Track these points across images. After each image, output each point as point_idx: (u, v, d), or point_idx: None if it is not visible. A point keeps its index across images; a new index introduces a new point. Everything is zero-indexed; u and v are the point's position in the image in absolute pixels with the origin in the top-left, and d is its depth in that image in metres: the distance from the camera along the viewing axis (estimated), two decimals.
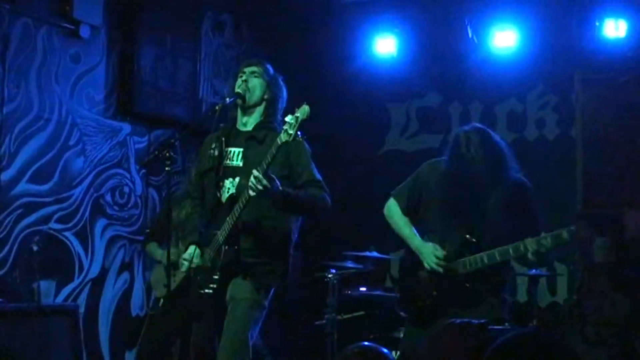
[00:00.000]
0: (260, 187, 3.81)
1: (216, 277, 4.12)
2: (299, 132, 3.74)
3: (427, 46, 7.49)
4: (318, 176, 4.23)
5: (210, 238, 4.22)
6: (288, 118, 3.76)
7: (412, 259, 4.35)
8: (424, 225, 4.41)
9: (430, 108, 7.98)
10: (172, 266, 5.28)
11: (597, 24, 6.77)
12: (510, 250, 4.04)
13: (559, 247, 3.99)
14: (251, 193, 3.86)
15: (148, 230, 6.28)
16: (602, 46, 6.83)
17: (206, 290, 4.15)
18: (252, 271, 4.13)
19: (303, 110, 3.74)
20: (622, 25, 6.69)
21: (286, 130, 3.75)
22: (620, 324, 6.28)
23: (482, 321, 3.42)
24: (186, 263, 4.26)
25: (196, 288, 4.22)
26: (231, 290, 4.17)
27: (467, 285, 4.14)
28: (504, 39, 7.15)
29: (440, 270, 4.17)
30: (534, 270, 6.16)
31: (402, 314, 4.48)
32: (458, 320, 3.50)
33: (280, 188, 3.92)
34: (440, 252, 4.17)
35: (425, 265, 4.23)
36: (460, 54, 7.37)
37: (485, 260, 4.09)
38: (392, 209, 4.48)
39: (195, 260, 4.23)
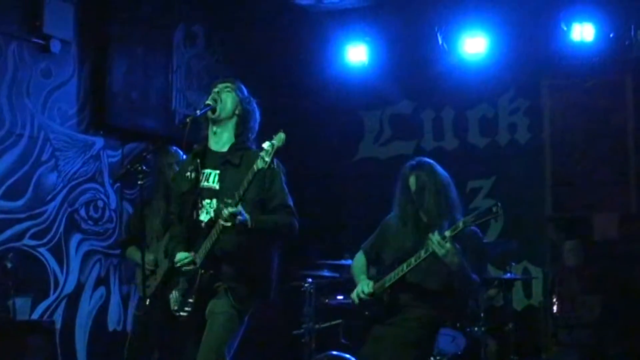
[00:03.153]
0: (229, 224, 3.89)
1: (191, 300, 4.13)
2: (274, 160, 3.80)
3: (398, 54, 7.55)
4: (289, 202, 4.26)
5: None
6: (265, 145, 3.80)
7: None
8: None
9: (403, 115, 8.04)
10: (151, 270, 5.39)
11: (564, 28, 6.87)
12: (422, 252, 4.17)
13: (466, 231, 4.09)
14: (222, 223, 3.92)
15: (123, 238, 6.15)
16: (569, 50, 6.94)
17: (181, 314, 4.16)
18: (233, 293, 4.14)
19: (279, 138, 3.80)
20: (589, 29, 6.79)
21: (262, 157, 3.79)
22: (591, 325, 6.35)
23: None
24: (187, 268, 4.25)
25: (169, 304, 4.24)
26: (210, 305, 4.18)
27: (385, 298, 4.36)
28: (474, 45, 7.23)
29: (357, 301, 4.44)
30: (509, 275, 6.21)
31: None
32: None
33: (248, 223, 3.97)
34: (368, 288, 4.39)
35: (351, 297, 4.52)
36: (431, 61, 7.45)
37: (405, 268, 4.26)
38: (356, 259, 4.74)
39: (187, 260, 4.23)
